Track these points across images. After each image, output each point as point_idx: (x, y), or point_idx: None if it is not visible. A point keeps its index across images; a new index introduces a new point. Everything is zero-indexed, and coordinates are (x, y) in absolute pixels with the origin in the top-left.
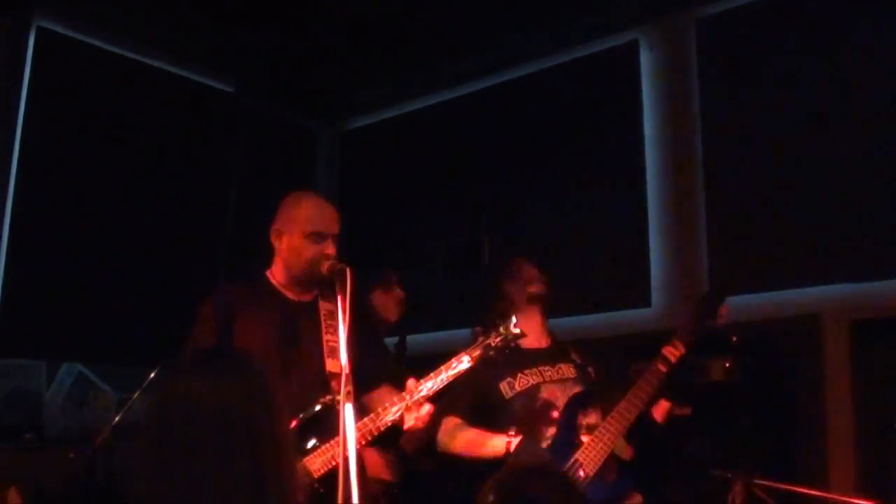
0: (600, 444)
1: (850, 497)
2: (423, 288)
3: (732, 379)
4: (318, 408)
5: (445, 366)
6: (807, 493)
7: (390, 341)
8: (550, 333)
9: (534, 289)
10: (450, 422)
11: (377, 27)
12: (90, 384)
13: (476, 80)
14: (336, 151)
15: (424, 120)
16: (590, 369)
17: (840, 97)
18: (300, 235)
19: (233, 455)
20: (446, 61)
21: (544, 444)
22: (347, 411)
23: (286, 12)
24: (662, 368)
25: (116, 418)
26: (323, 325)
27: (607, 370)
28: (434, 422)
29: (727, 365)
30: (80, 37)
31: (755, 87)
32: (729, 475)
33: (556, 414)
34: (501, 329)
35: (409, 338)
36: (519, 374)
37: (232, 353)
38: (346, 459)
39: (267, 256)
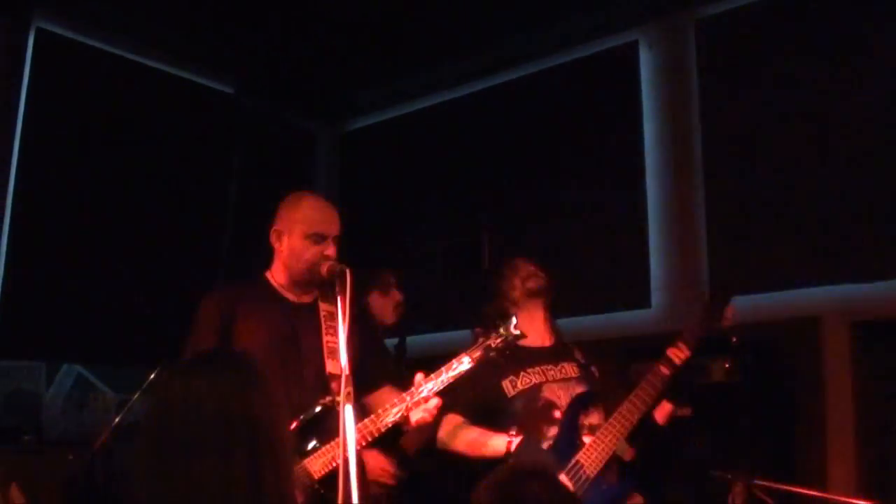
0: (602, 446)
1: (850, 497)
2: (423, 288)
3: (732, 379)
4: (318, 409)
5: (446, 367)
6: (807, 494)
7: (390, 342)
8: (555, 332)
9: (532, 283)
10: (451, 420)
11: (377, 28)
12: (90, 386)
13: (476, 81)
14: (336, 152)
15: (424, 121)
16: (593, 369)
17: (840, 97)
18: (300, 236)
19: (232, 455)
20: (446, 62)
21: (546, 445)
22: (347, 412)
23: (286, 13)
24: (666, 371)
25: (116, 419)
26: (323, 326)
27: (611, 370)
28: (435, 419)
29: (727, 366)
30: (80, 38)
31: (755, 88)
32: (729, 476)
33: (558, 414)
34: (502, 330)
35: (409, 339)
36: (521, 373)
37: (231, 354)
38: (346, 460)
39: (267, 257)
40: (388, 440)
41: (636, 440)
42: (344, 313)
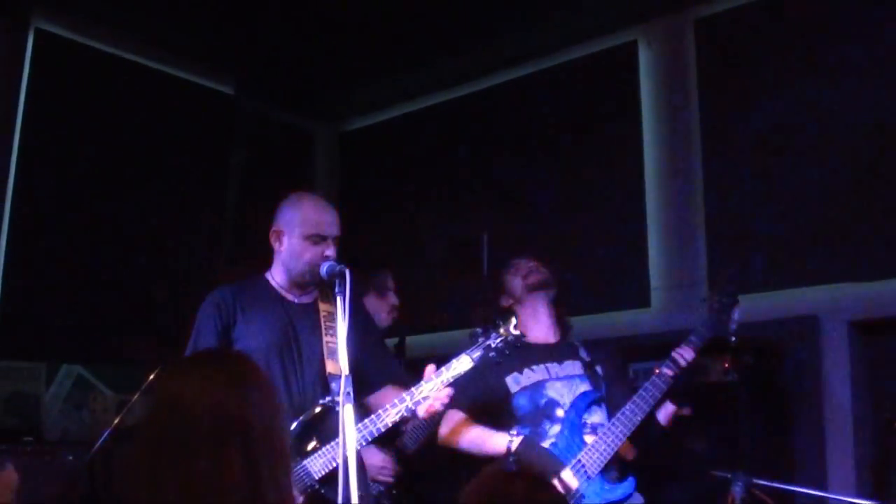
0: (604, 446)
1: (850, 497)
2: (423, 288)
3: (731, 379)
4: (317, 409)
5: (445, 366)
6: (806, 493)
7: (389, 342)
8: (560, 329)
9: (533, 279)
10: (453, 416)
11: (376, 27)
12: (90, 386)
13: (475, 81)
14: (335, 152)
15: (423, 120)
16: (598, 368)
17: (839, 97)
18: (300, 237)
19: (226, 456)
20: (445, 61)
21: (547, 443)
22: (347, 412)
23: (285, 13)
24: (670, 372)
25: (116, 421)
26: (322, 326)
27: (615, 369)
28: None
29: (726, 365)
30: (79, 38)
31: (754, 87)
32: (728, 475)
33: (560, 412)
34: (501, 329)
35: (409, 338)
36: (525, 370)
37: (226, 354)
38: (345, 460)
39: (266, 258)
40: (389, 439)
41: (638, 440)
42: (343, 313)
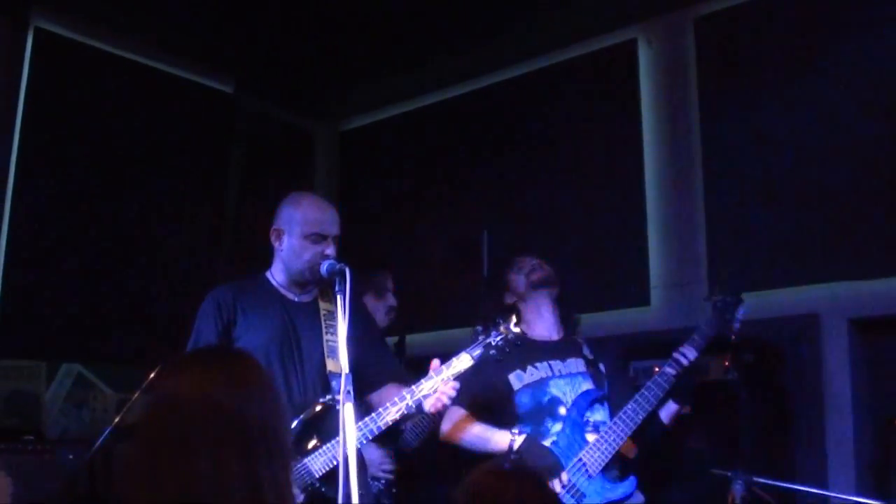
0: (606, 444)
1: (850, 496)
2: (423, 288)
3: (731, 377)
4: (318, 408)
5: (446, 364)
6: (807, 492)
7: (389, 341)
8: (564, 326)
9: (536, 276)
10: (455, 413)
11: (375, 26)
12: (90, 385)
13: (475, 79)
14: (334, 151)
15: (422, 119)
16: (601, 366)
17: (839, 95)
18: (300, 236)
19: (222, 455)
20: (445, 60)
21: (549, 441)
22: (347, 411)
23: (284, 12)
24: (673, 371)
25: (116, 419)
26: (323, 325)
27: (619, 367)
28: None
29: (726, 363)
30: (79, 37)
31: (754, 86)
32: (729, 474)
33: (563, 410)
34: (502, 328)
35: (409, 337)
36: (529, 367)
37: (223, 352)
38: (346, 459)
39: (266, 256)
40: (387, 436)
41: (640, 439)
42: (343, 312)
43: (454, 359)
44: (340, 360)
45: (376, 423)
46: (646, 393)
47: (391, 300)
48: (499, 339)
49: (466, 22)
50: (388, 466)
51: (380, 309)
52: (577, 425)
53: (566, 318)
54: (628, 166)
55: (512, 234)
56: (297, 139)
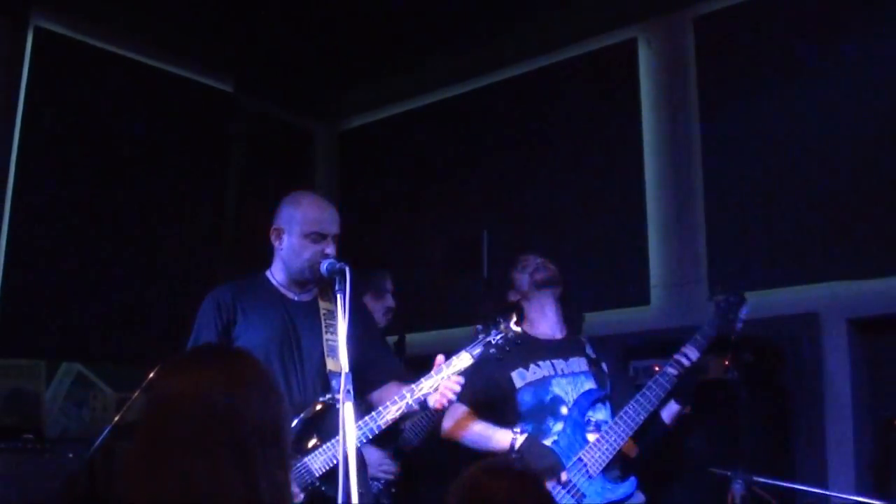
0: (607, 444)
1: (850, 496)
2: (423, 287)
3: (731, 377)
4: (318, 407)
5: (446, 363)
6: (807, 491)
7: (389, 340)
8: (567, 325)
9: (539, 275)
10: (457, 410)
11: (375, 26)
12: (90, 384)
13: (474, 79)
14: (334, 151)
15: (422, 119)
16: (603, 365)
17: (839, 95)
18: (300, 235)
19: (224, 451)
20: (444, 60)
21: (550, 440)
22: (347, 410)
23: (284, 12)
24: (675, 372)
25: (116, 418)
26: (323, 324)
27: (621, 367)
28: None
29: (726, 363)
30: (78, 36)
31: (754, 85)
32: (728, 473)
33: (564, 409)
34: (502, 326)
35: (409, 337)
36: (531, 365)
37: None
38: (346, 458)
39: (266, 256)
40: (387, 436)
41: (642, 439)
42: (343, 311)
43: (454, 357)
44: (340, 359)
45: (376, 421)
46: (647, 393)
47: (389, 301)
48: (499, 337)
49: (466, 22)
50: (388, 467)
51: (377, 310)
52: (579, 425)
53: (569, 317)
54: (628, 166)
55: (512, 234)
56: (297, 139)
